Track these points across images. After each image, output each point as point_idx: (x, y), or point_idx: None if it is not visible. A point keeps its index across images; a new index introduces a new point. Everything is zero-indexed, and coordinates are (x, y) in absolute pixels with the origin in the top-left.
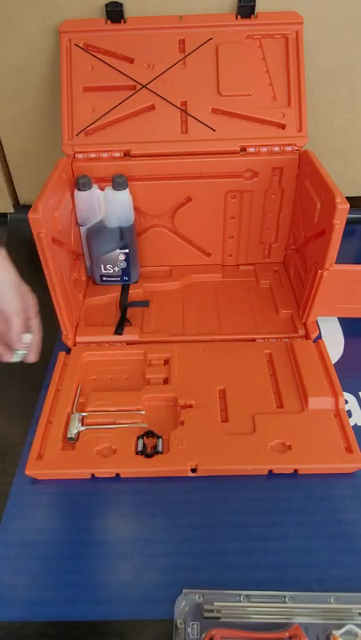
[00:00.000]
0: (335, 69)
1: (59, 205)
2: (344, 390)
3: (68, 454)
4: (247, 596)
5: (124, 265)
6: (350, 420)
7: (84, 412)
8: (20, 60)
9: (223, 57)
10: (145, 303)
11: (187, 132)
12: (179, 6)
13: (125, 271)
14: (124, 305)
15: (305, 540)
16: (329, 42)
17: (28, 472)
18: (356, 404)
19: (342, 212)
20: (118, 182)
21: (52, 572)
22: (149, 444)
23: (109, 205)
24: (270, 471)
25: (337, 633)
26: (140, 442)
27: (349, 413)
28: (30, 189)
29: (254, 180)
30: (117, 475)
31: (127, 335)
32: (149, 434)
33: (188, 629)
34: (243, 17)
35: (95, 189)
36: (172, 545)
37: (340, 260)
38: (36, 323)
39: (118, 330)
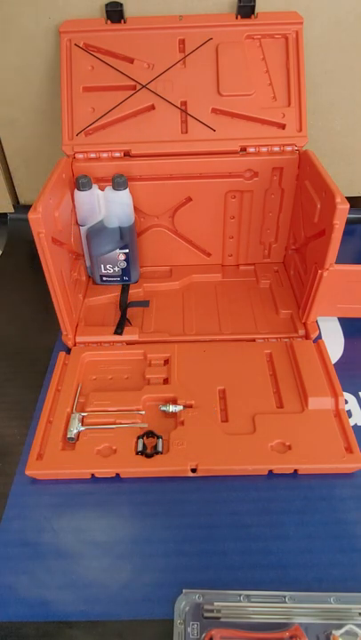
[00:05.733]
0: (335, 69)
1: (59, 205)
2: (344, 390)
3: (68, 454)
4: (247, 596)
5: (124, 265)
6: (350, 419)
7: (84, 411)
8: (20, 60)
9: (223, 57)
10: (145, 303)
11: (187, 132)
12: (179, 6)
13: (125, 271)
14: (124, 305)
15: (305, 540)
16: (329, 42)
17: (28, 472)
18: (357, 404)
19: (342, 212)
20: (118, 182)
21: (52, 571)
22: (149, 444)
23: (109, 205)
24: (270, 471)
25: (337, 633)
26: (140, 442)
27: (349, 413)
28: (30, 189)
29: (254, 180)
30: (117, 475)
31: (127, 335)
32: (149, 434)
33: (188, 629)
34: (243, 17)
35: (95, 189)
36: (172, 545)
37: (340, 260)
38: None
39: (118, 330)
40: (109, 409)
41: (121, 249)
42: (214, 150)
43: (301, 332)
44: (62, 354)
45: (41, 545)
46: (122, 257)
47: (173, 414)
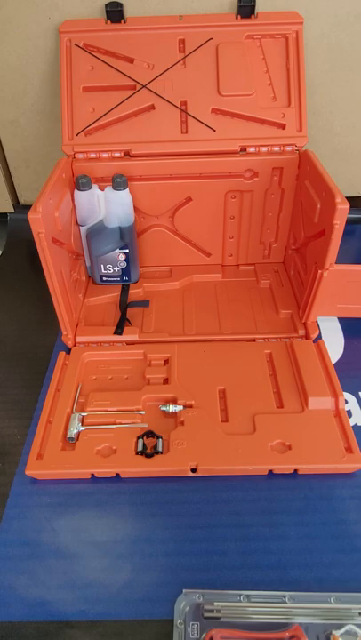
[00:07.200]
0: (335, 69)
1: (59, 205)
2: (344, 390)
3: (68, 454)
4: (247, 596)
5: (124, 265)
6: (350, 419)
7: (84, 411)
8: (20, 60)
9: (223, 57)
10: (145, 303)
11: (187, 132)
12: (179, 6)
13: (125, 271)
14: (124, 305)
15: (305, 540)
16: (329, 42)
17: (27, 472)
18: (357, 404)
19: (342, 211)
20: (118, 182)
21: (51, 571)
22: (149, 444)
23: (109, 205)
24: (270, 471)
25: (337, 633)
26: (140, 442)
27: (349, 413)
28: (30, 189)
29: (254, 180)
30: (117, 475)
31: (127, 335)
32: (149, 434)
33: (188, 629)
34: (243, 17)
35: (95, 189)
36: (172, 545)
37: (340, 260)
38: None
39: (118, 330)
40: (109, 409)
41: (121, 249)
42: (214, 150)
43: (301, 332)
44: (62, 354)
45: (41, 545)
46: (122, 257)
47: (173, 414)
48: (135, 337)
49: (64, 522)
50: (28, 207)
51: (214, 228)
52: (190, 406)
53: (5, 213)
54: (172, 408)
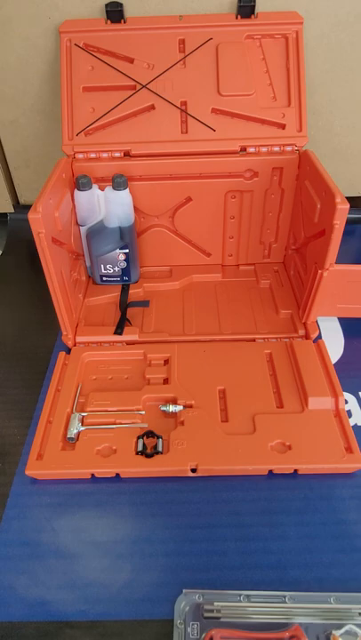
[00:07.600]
0: (335, 69)
1: (59, 205)
2: (344, 390)
3: (68, 454)
4: (247, 596)
5: (124, 265)
6: (350, 419)
7: (84, 411)
8: (20, 60)
9: (223, 57)
10: (145, 303)
11: (187, 132)
12: (179, 6)
13: (125, 271)
14: (124, 305)
15: (305, 540)
16: (329, 42)
17: (27, 472)
18: (357, 404)
19: (342, 211)
20: (118, 182)
21: (51, 571)
22: (149, 444)
23: (109, 205)
24: (270, 471)
25: (337, 633)
26: (140, 442)
27: (349, 413)
28: (30, 189)
29: (254, 180)
30: (117, 475)
31: (127, 335)
32: (149, 434)
33: (188, 629)
34: (243, 17)
35: (95, 189)
36: (172, 545)
37: (340, 260)
38: None
39: (118, 330)
40: (109, 409)
41: (121, 249)
42: (214, 150)
43: (301, 332)
44: (62, 354)
45: (41, 545)
46: (122, 257)
47: (173, 414)
48: (135, 337)
49: (64, 522)
50: (28, 207)
51: (214, 228)
52: (190, 406)
53: (5, 213)
54: (172, 408)
